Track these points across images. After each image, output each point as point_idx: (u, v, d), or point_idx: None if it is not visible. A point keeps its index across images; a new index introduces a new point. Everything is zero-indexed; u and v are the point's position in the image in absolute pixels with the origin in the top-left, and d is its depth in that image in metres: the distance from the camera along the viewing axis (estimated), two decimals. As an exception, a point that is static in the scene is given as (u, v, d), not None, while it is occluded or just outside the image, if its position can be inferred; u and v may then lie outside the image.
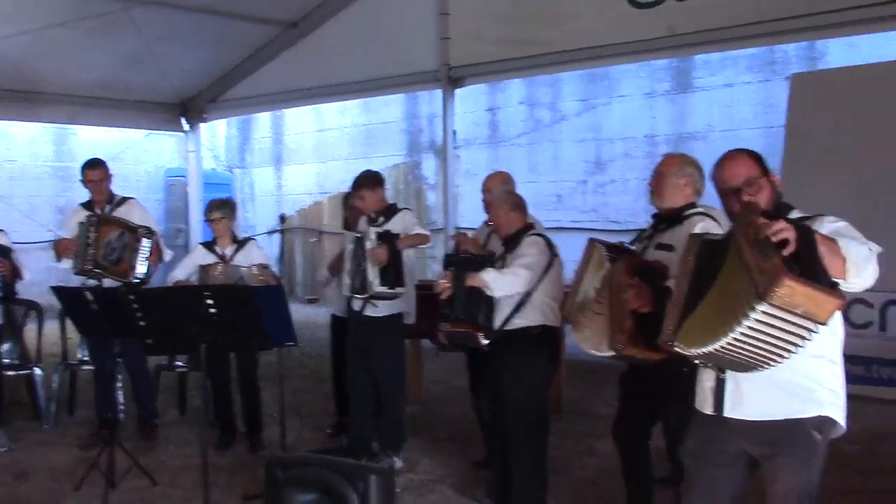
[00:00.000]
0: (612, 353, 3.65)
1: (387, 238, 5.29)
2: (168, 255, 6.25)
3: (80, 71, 10.83)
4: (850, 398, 6.34)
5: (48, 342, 7.30)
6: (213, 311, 3.85)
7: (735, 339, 2.53)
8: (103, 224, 5.94)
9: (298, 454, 4.06)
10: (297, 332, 4.45)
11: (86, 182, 6.20)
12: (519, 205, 4.75)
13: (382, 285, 5.27)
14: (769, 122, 9.27)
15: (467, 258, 4.66)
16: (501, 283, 4.45)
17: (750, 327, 2.48)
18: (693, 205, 4.07)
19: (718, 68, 10.00)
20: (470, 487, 5.19)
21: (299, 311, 12.07)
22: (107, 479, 5.09)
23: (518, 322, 4.52)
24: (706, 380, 3.01)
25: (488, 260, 4.65)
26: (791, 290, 2.38)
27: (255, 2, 10.13)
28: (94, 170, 6.19)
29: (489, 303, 4.47)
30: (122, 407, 6.61)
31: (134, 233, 5.88)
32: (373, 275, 5.26)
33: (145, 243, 5.87)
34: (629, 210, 10.51)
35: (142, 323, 3.91)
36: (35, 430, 6.59)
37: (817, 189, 7.25)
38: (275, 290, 4.56)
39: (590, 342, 3.79)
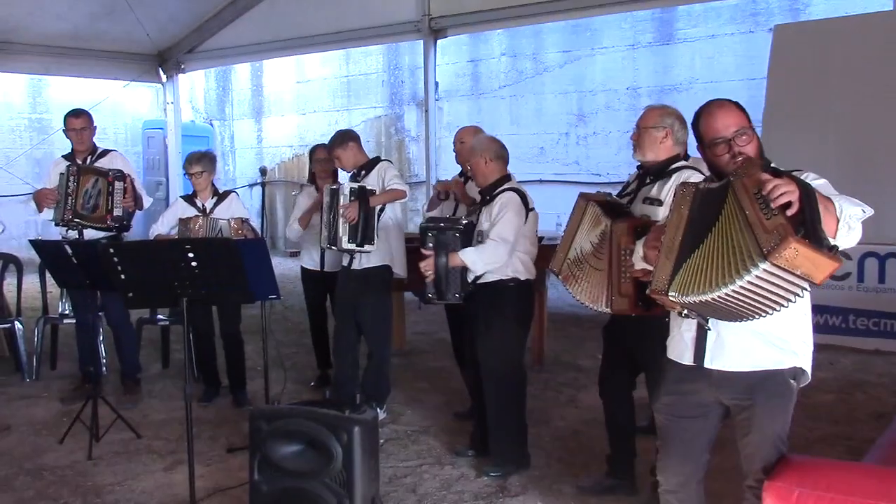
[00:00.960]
0: (607, 310, 3.70)
1: (360, 194, 5.26)
2: (148, 201, 6.18)
3: (53, 20, 10.65)
4: (828, 348, 6.43)
5: (28, 296, 7.26)
6: (194, 264, 3.82)
7: (733, 292, 2.57)
8: (83, 173, 5.88)
9: (282, 406, 4.07)
10: (279, 285, 4.43)
11: (68, 130, 6.10)
12: (499, 155, 4.71)
13: (350, 242, 5.26)
14: (752, 74, 9.25)
15: (444, 229, 4.59)
16: (482, 262, 4.48)
17: (749, 282, 2.53)
18: (678, 157, 4.07)
19: (701, 20, 9.95)
20: (453, 439, 5.23)
21: (281, 265, 12.06)
22: (91, 432, 5.10)
23: (490, 277, 4.54)
24: (686, 330, 3.03)
25: (463, 226, 4.60)
26: (795, 252, 2.41)
27: (232, -51, 9.96)
28: (78, 118, 6.09)
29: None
30: (104, 360, 6.61)
31: (106, 177, 5.82)
32: (343, 230, 5.25)
33: (118, 186, 5.82)
34: (611, 163, 10.52)
35: (122, 276, 3.88)
36: (16, 385, 6.57)
37: (798, 141, 7.27)
38: (257, 243, 4.52)
39: (587, 295, 3.83)
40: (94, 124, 6.21)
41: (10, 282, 7.08)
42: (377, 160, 5.69)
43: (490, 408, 4.68)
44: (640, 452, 4.36)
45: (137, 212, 6.13)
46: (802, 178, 2.77)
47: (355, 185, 5.33)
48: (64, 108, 6.59)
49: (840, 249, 2.60)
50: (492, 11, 9.33)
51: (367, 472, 3.54)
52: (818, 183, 2.76)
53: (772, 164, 2.88)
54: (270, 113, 14.83)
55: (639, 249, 3.26)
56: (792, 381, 2.92)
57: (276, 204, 14.58)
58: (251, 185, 14.43)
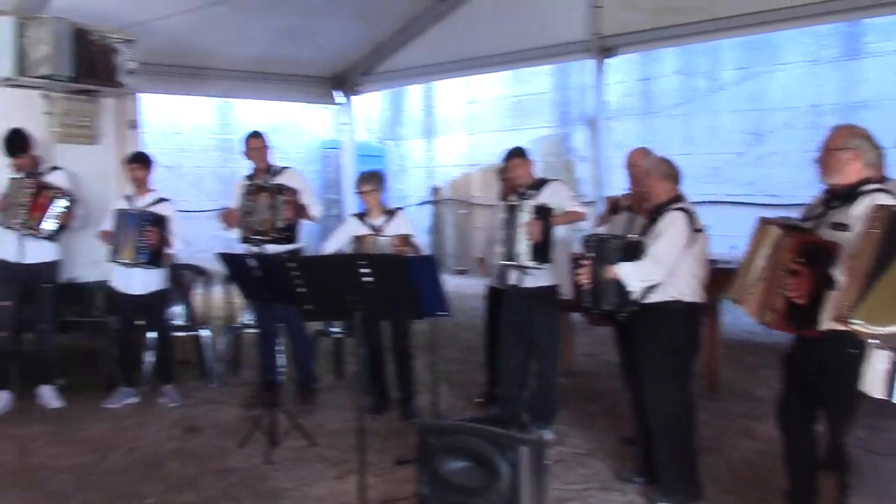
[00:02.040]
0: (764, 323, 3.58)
1: (542, 213, 5.26)
2: (318, 210, 6.50)
3: (239, 46, 11.27)
4: None
5: (214, 306, 7.71)
6: (368, 279, 3.94)
7: None
8: (259, 191, 6.21)
9: (451, 422, 4.12)
10: (448, 302, 4.50)
11: (248, 151, 6.48)
12: (670, 174, 4.62)
13: (531, 259, 5.27)
14: (949, 89, 8.63)
15: (605, 243, 4.54)
16: (637, 277, 4.39)
17: None
18: (868, 180, 3.84)
19: (892, 33, 9.35)
20: (620, 464, 5.14)
21: (449, 282, 12.20)
22: (269, 437, 5.35)
23: (655, 297, 4.43)
24: (879, 362, 2.85)
25: (626, 242, 4.52)
26: None
27: (407, -25, 10.24)
28: (257, 138, 6.52)
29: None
30: (282, 369, 6.91)
31: (269, 191, 6.15)
32: (523, 247, 5.26)
33: (279, 200, 6.13)
34: (790, 183, 10.03)
35: (300, 290, 4.05)
36: (202, 389, 6.98)
37: None
38: (429, 260, 4.61)
39: (750, 308, 3.71)
40: (269, 145, 6.55)
41: (198, 292, 7.55)
42: (546, 180, 5.70)
43: (656, 435, 4.56)
44: (822, 489, 4.13)
45: (312, 225, 6.39)
46: None
47: (535, 202, 5.34)
48: (249, 128, 7.00)
49: None
50: (664, 29, 9.11)
51: (534, 493, 3.53)
52: None
53: None
54: (440, 133, 15.11)
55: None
56: None
57: (445, 222, 14.82)
58: (421, 204, 14.75)
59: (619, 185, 9.01)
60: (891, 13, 8.51)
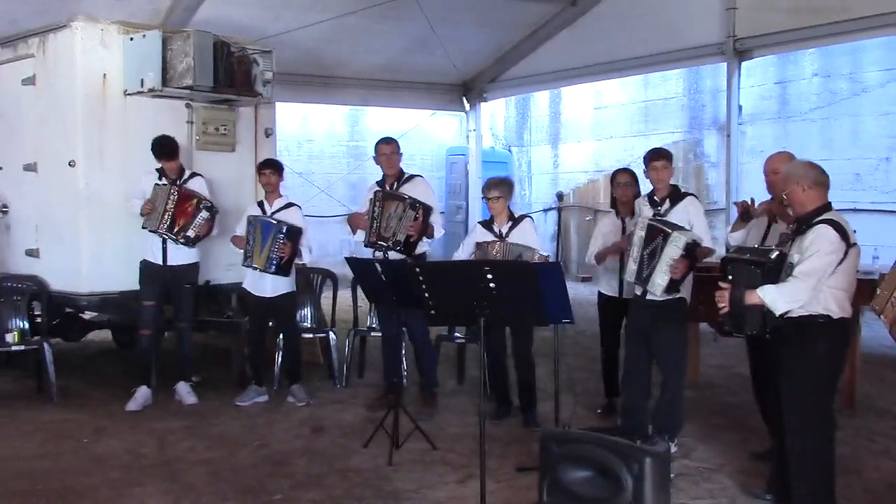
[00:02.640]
0: None
1: (692, 251, 5.11)
2: (439, 232, 6.47)
3: (370, 55, 11.56)
4: None
5: (341, 309, 7.88)
6: (492, 285, 3.95)
7: None
8: (387, 199, 6.30)
9: (574, 431, 4.08)
10: (572, 309, 4.45)
11: (378, 156, 6.60)
12: (818, 181, 4.32)
13: (666, 293, 5.14)
14: None
15: (745, 265, 4.32)
16: (782, 301, 4.15)
17: None
18: None
19: None
20: (749, 480, 4.95)
21: (573, 289, 12.07)
22: (392, 439, 5.42)
23: (798, 312, 4.21)
24: None
25: (768, 260, 4.31)
26: None
27: (535, -19, 10.24)
28: (388, 144, 6.61)
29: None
30: (405, 373, 7.00)
31: (403, 202, 6.19)
32: (661, 279, 5.11)
33: (409, 213, 6.14)
34: (940, 190, 9.50)
35: (426, 294, 4.10)
36: (328, 390, 7.14)
37: None
38: (553, 267, 4.57)
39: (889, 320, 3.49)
40: (401, 151, 6.63)
41: (326, 295, 7.74)
42: (682, 193, 5.56)
43: (792, 453, 4.35)
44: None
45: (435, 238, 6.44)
46: None
47: (690, 238, 5.13)
48: (378, 135, 7.13)
49: None
50: (804, 30, 8.78)
51: (658, 506, 3.45)
52: None
53: None
54: (567, 139, 15.01)
55: None
56: None
57: (570, 229, 14.70)
58: (546, 210, 14.69)
59: (751, 191, 8.74)
60: None
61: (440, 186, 15.01)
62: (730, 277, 4.30)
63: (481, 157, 13.55)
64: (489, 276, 3.94)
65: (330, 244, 12.72)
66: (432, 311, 4.21)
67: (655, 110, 13.30)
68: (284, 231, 6.38)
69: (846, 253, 4.22)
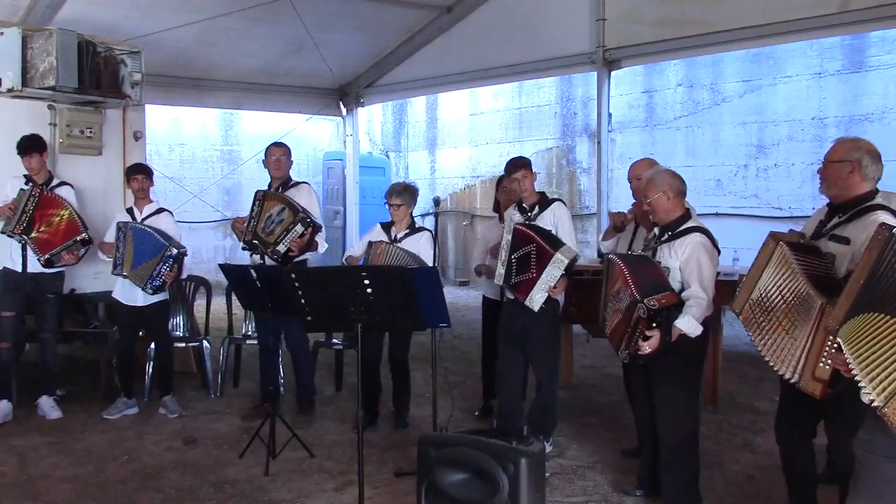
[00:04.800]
0: (792, 380, 3.54)
1: (570, 269, 5.21)
2: (323, 247, 6.40)
3: (245, 58, 11.34)
4: None
5: (215, 317, 7.71)
6: (369, 291, 3.94)
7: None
8: (268, 199, 6.22)
9: (450, 434, 4.11)
10: (449, 314, 4.49)
11: (268, 159, 6.50)
12: (682, 191, 4.54)
13: (542, 306, 5.25)
14: (953, 103, 8.62)
15: (667, 309, 4.29)
16: (694, 325, 4.28)
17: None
18: (871, 194, 3.83)
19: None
20: (621, 477, 5.11)
21: (451, 294, 12.25)
22: (268, 448, 5.34)
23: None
24: None
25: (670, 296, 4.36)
26: None
27: (411, -13, 10.29)
28: (279, 148, 6.53)
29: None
30: (282, 381, 6.90)
31: (294, 213, 6.07)
32: (540, 296, 5.18)
33: (298, 229, 6.04)
34: (794, 196, 10.05)
35: (302, 301, 4.05)
36: (202, 400, 6.97)
37: None
38: (430, 272, 4.60)
39: (772, 354, 3.64)
40: (291, 158, 6.56)
41: (199, 303, 7.55)
42: (547, 198, 5.68)
43: (665, 448, 4.52)
44: (822, 502, 4.11)
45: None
46: None
47: (572, 256, 5.19)
48: (252, 140, 7.04)
49: None
50: (668, 42, 9.14)
51: (533, 506, 3.52)
52: None
53: None
54: (444, 145, 15.14)
55: None
56: None
57: (447, 234, 14.84)
58: (423, 216, 14.76)
59: (620, 196, 9.06)
60: (895, 26, 8.55)
61: (317, 192, 14.86)
62: (655, 323, 4.23)
63: (358, 162, 13.50)
64: (366, 282, 3.93)
65: (203, 250, 12.44)
66: (309, 318, 4.16)
67: (529, 117, 13.58)
68: (174, 256, 6.17)
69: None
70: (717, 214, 10.47)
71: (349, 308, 4.02)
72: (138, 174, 6.57)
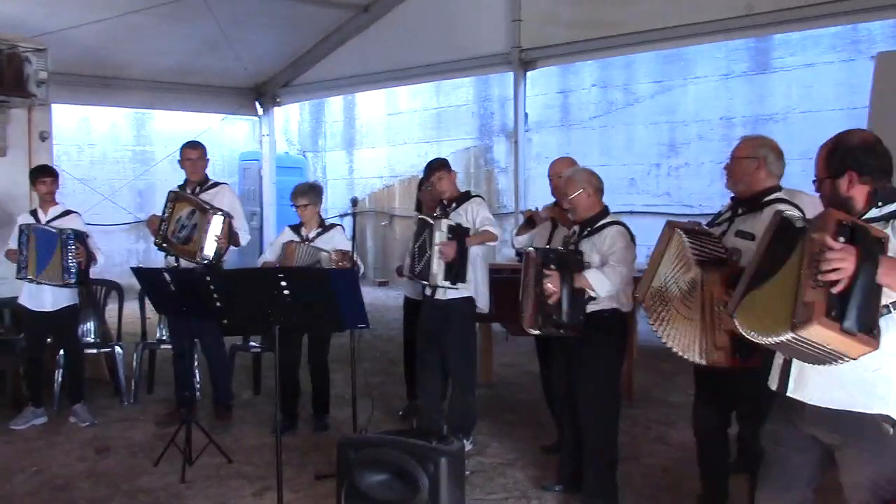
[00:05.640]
0: (701, 362, 3.61)
1: (457, 233, 5.27)
2: (245, 238, 6.30)
3: (157, 56, 11.08)
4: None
5: (128, 321, 7.51)
6: (287, 293, 3.90)
7: (775, 343, 2.65)
8: (178, 200, 6.08)
9: (370, 435, 4.09)
10: (369, 314, 4.48)
11: (183, 160, 6.34)
12: (600, 188, 4.66)
13: (445, 280, 5.28)
14: (852, 104, 8.94)
15: (567, 255, 4.53)
16: (606, 284, 4.36)
17: (782, 341, 2.60)
18: (774, 189, 3.98)
19: (799, 48, 9.71)
20: (541, 473, 5.17)
21: (370, 294, 12.20)
22: (184, 455, 5.23)
23: (594, 306, 4.47)
24: (777, 357, 3.00)
25: (581, 258, 4.54)
26: (820, 333, 2.49)
27: (327, -14, 10.21)
28: (194, 149, 6.36)
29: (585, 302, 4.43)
30: (198, 386, 6.77)
31: (205, 213, 5.95)
32: (437, 267, 5.26)
33: (215, 223, 5.91)
34: (703, 194, 10.32)
35: (218, 304, 3.98)
36: (115, 407, 6.79)
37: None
38: (348, 273, 4.58)
39: (676, 343, 3.73)
40: (207, 157, 6.41)
41: (112, 308, 7.35)
42: (468, 195, 5.72)
43: (588, 443, 4.59)
44: (733, 490, 4.23)
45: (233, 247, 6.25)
46: None
47: (452, 222, 5.33)
48: (166, 140, 6.88)
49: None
50: (582, 43, 9.29)
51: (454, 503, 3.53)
52: None
53: (870, 211, 2.80)
54: (362, 145, 15.08)
55: None
56: (887, 428, 2.77)
57: (366, 234, 14.78)
58: (342, 216, 14.66)
59: (537, 195, 9.15)
60: (798, 30, 8.87)
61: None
62: (552, 267, 4.40)
63: (275, 162, 13.33)
64: (283, 284, 3.89)
65: (116, 253, 12.07)
66: (225, 321, 4.10)
67: (447, 117, 13.62)
68: (72, 236, 6.01)
69: None
70: (631, 212, 10.66)
71: (266, 311, 3.97)
72: (45, 177, 6.35)
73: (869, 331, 2.51)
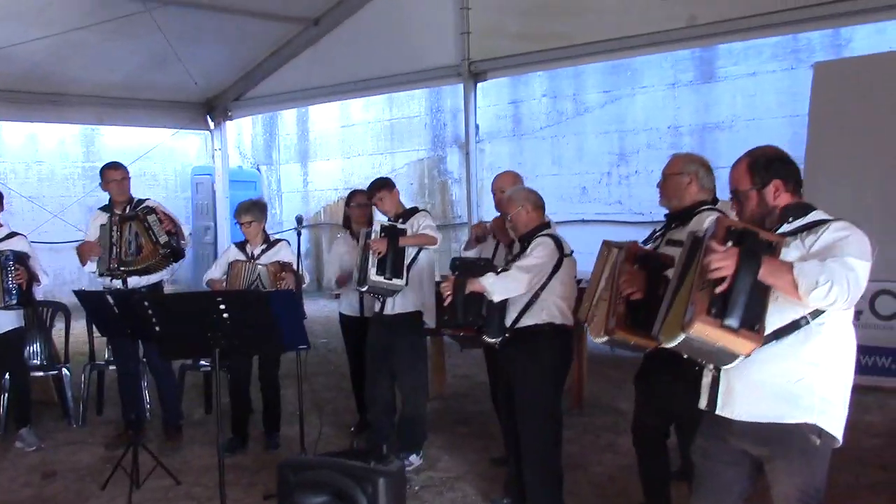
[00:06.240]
0: (606, 339, 3.68)
1: (390, 231, 5.33)
2: (186, 228, 6.27)
3: (105, 72, 10.95)
4: (876, 390, 6.25)
5: (77, 342, 7.42)
6: (226, 315, 3.89)
7: (680, 345, 2.76)
8: (123, 222, 6.03)
9: (309, 457, 4.11)
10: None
11: (106, 183, 6.28)
12: (539, 205, 4.75)
13: (378, 274, 5.30)
14: (794, 111, 9.14)
15: (472, 263, 4.67)
16: (499, 287, 4.47)
17: (680, 342, 2.73)
18: (704, 202, 4.07)
19: (742, 57, 9.89)
20: (490, 486, 5.20)
21: (327, 306, 12.14)
22: (131, 479, 5.18)
23: (526, 321, 4.55)
24: (705, 376, 3.06)
25: (490, 265, 4.65)
26: (704, 330, 2.62)
27: (274, 0, 10.17)
28: (117, 170, 6.29)
29: (492, 305, 4.50)
30: (147, 406, 6.71)
31: (136, 218, 5.96)
32: (371, 264, 5.30)
33: (152, 219, 5.92)
34: (654, 201, 10.17)
35: (156, 328, 3.97)
36: (63, 430, 6.70)
37: (840, 179, 7.19)
38: (287, 294, 4.59)
39: (594, 330, 3.84)
40: (130, 175, 6.36)
41: (60, 328, 7.26)
42: (416, 210, 5.77)
43: (526, 455, 4.64)
44: (675, 499, 4.29)
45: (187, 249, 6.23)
46: (827, 228, 2.77)
47: (386, 223, 5.39)
48: (117, 155, 6.81)
49: (823, 307, 2.72)
50: (531, 54, 9.35)
51: (395, 523, 3.55)
52: (838, 235, 2.77)
53: (813, 212, 2.92)
54: (316, 157, 15.05)
55: None
56: (814, 438, 2.84)
57: (321, 246, 14.74)
58: (287, 230, 14.63)
59: (491, 205, 9.20)
60: (741, 39, 9.02)
61: (186, 207, 14.52)
62: (456, 272, 4.57)
63: (228, 176, 13.23)
64: (222, 307, 3.88)
65: (66, 271, 11.92)
66: (165, 344, 4.08)
67: (400, 128, 13.65)
68: (11, 257, 5.93)
69: (560, 261, 4.59)
70: (583, 221, 10.79)
71: (205, 333, 3.96)
72: (-16, 199, 6.27)
73: (751, 327, 2.62)
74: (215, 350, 4.00)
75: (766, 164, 2.98)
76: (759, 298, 2.63)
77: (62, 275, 11.86)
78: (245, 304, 3.94)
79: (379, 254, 5.29)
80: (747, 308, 2.61)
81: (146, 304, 3.96)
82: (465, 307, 4.49)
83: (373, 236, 5.35)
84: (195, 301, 4.17)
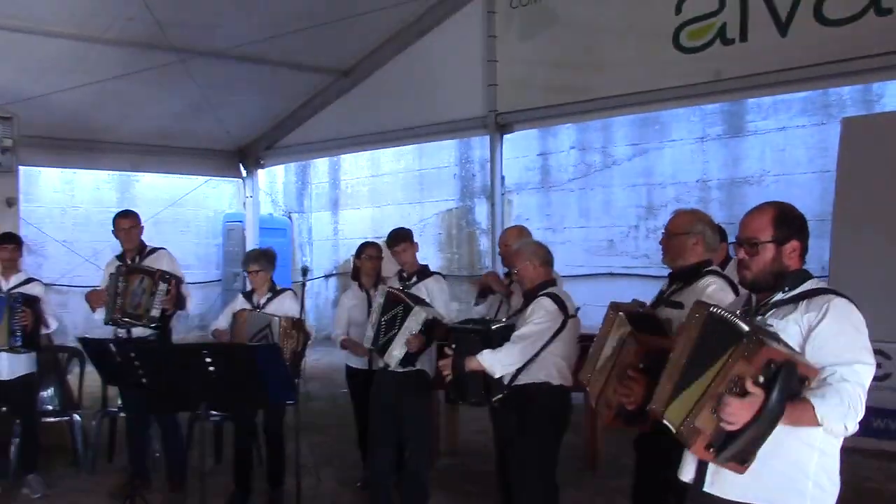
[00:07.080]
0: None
1: (430, 329, 5.24)
2: (191, 303, 6.28)
3: (141, 120, 11.18)
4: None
5: (94, 387, 7.44)
6: (212, 369, 3.86)
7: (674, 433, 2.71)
8: (130, 273, 6.06)
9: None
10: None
11: (117, 231, 6.35)
12: (547, 260, 4.69)
13: (399, 365, 5.25)
14: (824, 167, 8.96)
15: (466, 335, 4.56)
16: (499, 365, 4.41)
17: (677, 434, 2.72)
18: (708, 262, 3.96)
19: (771, 112, 9.76)
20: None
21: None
22: (129, 530, 5.13)
23: (523, 379, 4.46)
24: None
25: (489, 331, 4.54)
26: (696, 453, 2.67)
27: (306, 52, 10.33)
28: (126, 218, 6.35)
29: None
30: (157, 455, 6.67)
31: (152, 276, 5.95)
32: (399, 351, 5.22)
33: (161, 287, 5.92)
34: (682, 256, 10.28)
35: (143, 379, 3.94)
36: (73, 477, 6.69)
37: (868, 235, 7.04)
38: (272, 348, 4.53)
39: (591, 396, 3.74)
40: (142, 224, 6.41)
41: (75, 372, 7.29)
42: (427, 270, 5.74)
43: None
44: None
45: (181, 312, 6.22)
46: (828, 302, 2.72)
47: (430, 315, 5.26)
48: (151, 202, 6.88)
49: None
50: (558, 107, 9.34)
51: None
52: (838, 329, 2.69)
53: (808, 281, 2.85)
54: (347, 206, 15.14)
55: None
56: None
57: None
58: (326, 276, 14.69)
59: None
60: (767, 95, 8.92)
61: (217, 253, 14.66)
62: (453, 346, 4.48)
63: (259, 223, 13.36)
64: (208, 360, 3.85)
65: (95, 316, 12.03)
66: (150, 397, 4.05)
67: (430, 179, 13.68)
68: (20, 299, 5.99)
69: (564, 323, 4.49)
70: (610, 274, 10.66)
71: (191, 387, 3.92)
72: (7, 244, 6.37)
73: (742, 462, 2.58)
74: (202, 403, 3.96)
75: (792, 220, 2.87)
76: (760, 440, 2.56)
77: (92, 319, 11.96)
78: (229, 358, 3.90)
79: (411, 351, 5.23)
80: (746, 450, 2.57)
81: (132, 355, 3.95)
82: (469, 386, 4.46)
83: (412, 324, 5.18)
84: (181, 354, 4.15)
